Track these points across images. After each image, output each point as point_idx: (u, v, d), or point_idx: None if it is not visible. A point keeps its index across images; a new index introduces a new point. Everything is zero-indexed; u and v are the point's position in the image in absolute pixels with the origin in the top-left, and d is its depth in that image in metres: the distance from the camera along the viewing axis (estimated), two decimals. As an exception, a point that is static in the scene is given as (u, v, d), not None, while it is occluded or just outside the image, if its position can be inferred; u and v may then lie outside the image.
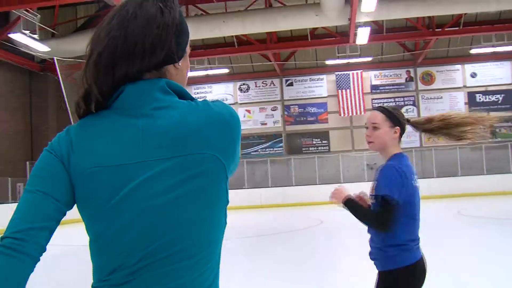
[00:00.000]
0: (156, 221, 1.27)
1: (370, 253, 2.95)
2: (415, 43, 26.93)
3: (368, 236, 2.99)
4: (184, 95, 1.37)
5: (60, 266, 10.30)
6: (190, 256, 1.29)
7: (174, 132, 1.28)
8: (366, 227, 2.96)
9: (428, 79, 28.67)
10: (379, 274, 2.90)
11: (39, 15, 18.86)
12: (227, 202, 1.39)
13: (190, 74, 27.37)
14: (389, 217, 2.75)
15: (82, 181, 1.30)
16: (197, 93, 29.89)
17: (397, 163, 2.89)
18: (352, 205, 2.91)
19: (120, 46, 1.30)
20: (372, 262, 2.96)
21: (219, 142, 1.31)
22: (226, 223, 1.40)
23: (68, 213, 1.36)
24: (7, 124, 23.22)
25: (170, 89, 1.35)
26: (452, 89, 28.49)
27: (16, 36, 18.41)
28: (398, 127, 3.02)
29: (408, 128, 3.13)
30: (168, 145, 1.27)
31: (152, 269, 1.26)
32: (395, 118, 3.02)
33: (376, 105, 28.07)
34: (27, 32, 18.18)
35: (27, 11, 18.07)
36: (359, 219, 2.89)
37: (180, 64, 1.40)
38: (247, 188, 27.97)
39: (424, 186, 22.89)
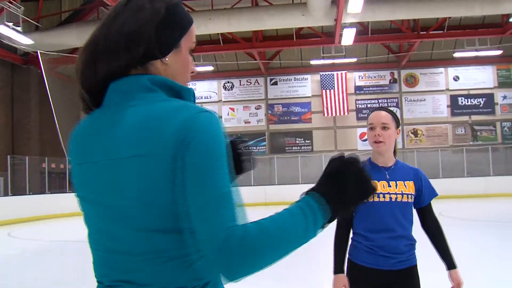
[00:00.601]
0: (119, 223, 1.27)
1: (403, 252, 2.96)
2: (400, 45, 27.09)
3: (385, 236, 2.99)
4: (174, 89, 1.35)
5: (42, 262, 10.21)
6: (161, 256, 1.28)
7: (138, 132, 1.25)
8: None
9: (411, 81, 28.88)
10: (412, 268, 3.02)
11: (23, 7, 18.68)
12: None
13: (175, 70, 27.19)
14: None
15: (72, 176, 1.39)
16: (181, 90, 29.73)
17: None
18: (451, 254, 3.15)
19: (101, 44, 1.33)
20: (402, 261, 2.96)
21: (171, 147, 1.22)
22: None
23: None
24: (-12, 117, 22.98)
25: (154, 86, 1.32)
26: (435, 91, 28.73)
27: (-1, 28, 18.19)
28: (399, 129, 3.07)
29: None
30: (133, 144, 1.25)
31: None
32: (398, 120, 3.08)
33: (360, 106, 28.33)
34: (10, 24, 17.98)
35: (10, 3, 17.88)
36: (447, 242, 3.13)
37: (167, 59, 1.37)
38: (230, 186, 27.91)
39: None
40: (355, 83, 29.01)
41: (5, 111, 23.88)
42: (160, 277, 1.25)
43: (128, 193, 1.24)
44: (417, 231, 3.07)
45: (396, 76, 28.94)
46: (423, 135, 28.56)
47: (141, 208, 1.24)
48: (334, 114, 28.37)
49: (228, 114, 29.47)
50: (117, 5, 1.39)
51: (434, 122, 28.57)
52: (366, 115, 28.48)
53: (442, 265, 3.05)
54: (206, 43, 25.36)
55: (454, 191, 24.39)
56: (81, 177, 1.34)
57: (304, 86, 29.34)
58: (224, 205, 1.18)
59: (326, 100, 28.37)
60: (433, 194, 3.06)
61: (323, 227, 1.31)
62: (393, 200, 2.94)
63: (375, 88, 28.99)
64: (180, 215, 1.22)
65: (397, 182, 2.97)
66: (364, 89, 29.02)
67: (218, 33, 23.69)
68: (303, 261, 9.16)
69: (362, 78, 29.03)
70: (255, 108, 29.53)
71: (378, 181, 2.96)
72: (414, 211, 3.07)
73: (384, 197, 2.94)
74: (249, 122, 29.45)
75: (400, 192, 2.94)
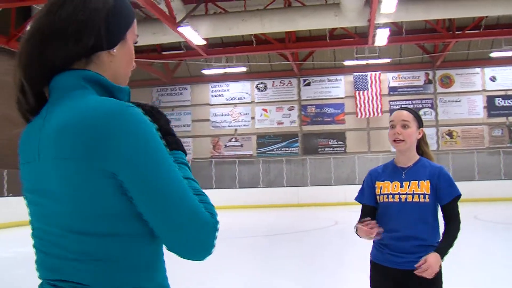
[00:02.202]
0: (53, 224, 1.32)
1: (412, 252, 2.91)
2: (435, 45, 26.70)
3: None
4: (107, 88, 1.32)
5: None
6: None
7: (60, 134, 1.23)
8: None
9: (447, 82, 28.45)
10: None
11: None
12: None
13: (208, 72, 27.45)
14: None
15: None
16: (214, 91, 29.93)
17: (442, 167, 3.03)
18: (447, 249, 2.82)
19: (47, 33, 1.28)
20: (412, 261, 2.88)
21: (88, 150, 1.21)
22: None
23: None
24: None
25: (87, 83, 1.29)
26: (471, 92, 28.22)
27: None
28: (422, 129, 3.08)
29: (426, 131, 3.14)
30: (56, 146, 1.24)
31: None
32: (420, 120, 3.09)
33: (394, 107, 27.99)
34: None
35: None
36: (453, 244, 2.90)
37: (115, 50, 1.35)
38: (262, 187, 27.98)
39: (440, 189, 22.37)
40: (389, 84, 28.73)
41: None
42: (92, 278, 1.23)
43: (57, 195, 1.24)
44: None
45: (430, 77, 28.56)
46: (459, 136, 28.10)
47: (71, 211, 1.22)
48: (367, 115, 28.15)
49: (261, 115, 29.51)
50: None
51: (470, 124, 28.07)
52: (400, 116, 28.18)
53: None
54: (239, 44, 25.48)
55: (490, 194, 23.97)
56: (22, 176, 1.35)
57: (337, 87, 29.18)
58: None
59: (360, 101, 28.17)
60: (453, 193, 2.94)
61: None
62: (402, 200, 2.95)
63: (409, 89, 28.65)
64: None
65: (411, 182, 2.97)
66: (398, 90, 28.71)
67: (251, 34, 23.75)
68: (323, 263, 9.11)
69: (396, 79, 28.73)
70: (288, 109, 29.50)
71: (391, 182, 3.01)
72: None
73: (393, 197, 2.98)
74: (282, 123, 29.44)
75: (411, 192, 2.94)
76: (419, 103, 28.29)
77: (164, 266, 1.36)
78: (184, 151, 1.43)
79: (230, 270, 8.78)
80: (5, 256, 11.33)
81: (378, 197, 3.05)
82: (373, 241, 3.11)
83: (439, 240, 2.97)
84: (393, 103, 28.42)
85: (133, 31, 1.41)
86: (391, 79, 28.74)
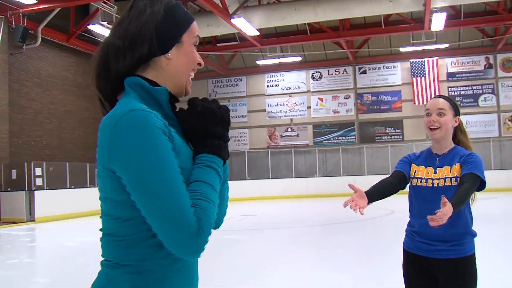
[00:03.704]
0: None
1: (445, 240, 2.87)
2: (495, 28, 25.87)
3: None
4: (146, 89, 1.47)
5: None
6: None
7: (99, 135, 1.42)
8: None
9: (508, 66, 27.51)
10: (462, 260, 2.86)
11: (116, 7, 19.42)
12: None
13: (262, 62, 27.51)
14: (473, 193, 2.81)
15: None
16: (270, 81, 29.99)
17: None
18: (458, 203, 2.66)
19: (110, 48, 1.49)
20: (445, 250, 2.88)
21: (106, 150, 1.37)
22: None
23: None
24: (88, 111, 24.13)
25: (131, 87, 1.47)
26: (534, 76, 27.23)
27: (94, 28, 19.05)
28: (458, 117, 3.05)
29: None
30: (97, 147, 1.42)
31: None
32: (457, 108, 3.05)
33: (453, 93, 27.38)
34: (104, 23, 18.76)
35: (105, 3, 18.66)
36: (465, 201, 2.78)
37: (170, 54, 1.51)
38: (319, 177, 27.92)
39: (502, 177, 21.73)
40: (447, 70, 28.05)
41: (96, 107, 24.96)
42: (104, 251, 1.47)
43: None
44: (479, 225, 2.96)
45: (491, 61, 27.69)
46: (522, 122, 27.17)
47: (100, 197, 1.46)
48: (425, 102, 27.52)
49: (317, 104, 29.40)
50: (123, 13, 1.53)
51: (534, 108, 27.09)
52: (459, 102, 27.51)
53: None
54: (293, 34, 25.42)
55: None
56: None
57: (393, 74, 28.73)
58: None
59: (417, 88, 27.65)
60: (474, 170, 2.81)
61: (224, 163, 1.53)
62: (435, 185, 2.93)
63: (468, 74, 27.88)
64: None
65: (444, 167, 2.95)
66: (457, 75, 28.00)
67: (305, 23, 23.65)
68: (378, 255, 9.02)
69: (454, 64, 28.02)
70: (344, 98, 29.26)
71: (426, 167, 3.02)
72: (477, 204, 2.98)
73: (426, 182, 2.97)
74: (338, 112, 29.23)
75: (443, 177, 2.92)
76: (479, 89, 27.51)
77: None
78: (221, 156, 1.49)
79: (285, 259, 8.85)
80: (70, 245, 11.80)
81: (411, 180, 3.06)
82: (406, 229, 3.12)
83: (472, 228, 2.93)
84: (452, 89, 27.76)
85: (191, 34, 1.57)
86: (449, 64, 28.05)
